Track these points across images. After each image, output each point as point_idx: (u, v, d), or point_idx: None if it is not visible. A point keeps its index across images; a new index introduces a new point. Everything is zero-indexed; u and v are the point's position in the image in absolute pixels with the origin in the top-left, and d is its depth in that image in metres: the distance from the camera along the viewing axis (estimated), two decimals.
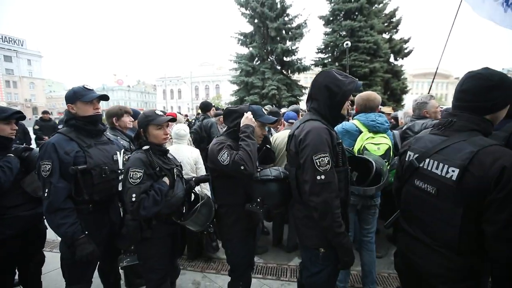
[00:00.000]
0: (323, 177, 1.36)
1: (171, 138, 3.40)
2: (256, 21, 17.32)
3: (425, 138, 1.36)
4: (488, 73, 1.17)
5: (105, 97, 1.98)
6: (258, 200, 1.64)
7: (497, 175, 1.00)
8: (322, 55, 17.30)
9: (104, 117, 2.65)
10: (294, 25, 17.48)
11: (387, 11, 17.93)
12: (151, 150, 1.78)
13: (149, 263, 1.85)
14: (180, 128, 3.22)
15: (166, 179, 1.78)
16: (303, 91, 17.91)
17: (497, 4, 4.36)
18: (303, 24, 17.25)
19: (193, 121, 5.96)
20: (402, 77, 18.04)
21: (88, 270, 1.89)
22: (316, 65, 17.50)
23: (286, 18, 17.29)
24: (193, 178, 2.16)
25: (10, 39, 48.86)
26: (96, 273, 2.06)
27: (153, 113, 1.84)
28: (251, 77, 17.18)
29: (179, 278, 2.44)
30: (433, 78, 4.48)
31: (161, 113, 1.86)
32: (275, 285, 2.71)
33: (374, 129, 2.29)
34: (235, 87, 19.05)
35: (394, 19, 17.85)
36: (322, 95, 1.52)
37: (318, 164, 1.37)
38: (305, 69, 17.69)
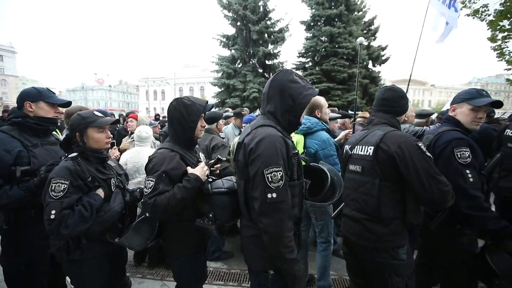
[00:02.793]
0: (274, 195, 1.17)
1: (133, 140, 3.27)
2: (238, 23, 17.35)
3: (356, 134, 1.77)
4: (397, 88, 1.66)
5: (68, 104, 2.00)
6: (210, 215, 1.50)
7: (394, 149, 1.39)
8: (303, 59, 17.56)
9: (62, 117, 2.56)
10: (276, 29, 17.65)
11: (366, 19, 18.58)
12: (86, 157, 1.58)
13: (81, 286, 1.62)
14: (142, 130, 3.09)
15: (100, 191, 1.57)
16: None
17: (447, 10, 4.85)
18: (285, 28, 17.47)
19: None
20: (380, 82, 18.63)
21: (36, 282, 1.73)
22: (297, 68, 17.75)
23: (268, 22, 17.43)
24: (138, 189, 1.90)
25: None
26: None
27: (92, 114, 1.63)
28: (233, 80, 17.12)
29: (137, 287, 2.30)
30: (408, 85, 4.75)
31: (101, 114, 1.67)
32: None
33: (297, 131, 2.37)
34: (219, 89, 18.93)
35: (372, 27, 18.47)
36: (281, 98, 1.31)
37: (270, 179, 1.17)
38: None
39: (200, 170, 1.56)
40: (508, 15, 9.51)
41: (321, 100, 2.48)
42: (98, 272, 1.61)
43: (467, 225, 1.59)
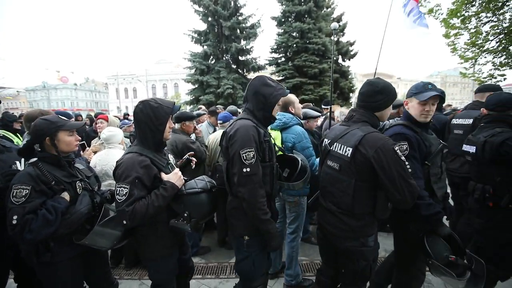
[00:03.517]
0: (248, 169, 1.50)
1: (103, 142, 3.21)
2: (209, 19, 17.09)
3: (336, 128, 1.78)
4: (377, 82, 1.61)
5: None
6: (185, 214, 1.57)
7: (371, 154, 1.43)
8: (275, 55, 17.79)
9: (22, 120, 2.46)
10: (248, 24, 17.66)
11: (334, 15, 19.18)
12: (50, 162, 1.58)
13: None
14: (111, 131, 3.04)
15: (65, 194, 1.57)
16: None
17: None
18: (256, 24, 17.54)
19: None
20: (350, 77, 19.44)
21: None
22: (270, 64, 17.96)
23: (240, 18, 17.37)
24: (109, 190, 1.92)
25: None
26: None
27: (59, 118, 1.64)
28: (206, 76, 16.93)
29: None
30: (374, 77, 4.89)
31: (65, 118, 1.69)
32: (214, 284, 2.76)
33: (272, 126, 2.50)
34: (193, 86, 18.61)
35: (340, 23, 19.11)
36: (255, 98, 1.66)
37: (245, 158, 1.50)
38: (260, 68, 18.08)
39: (175, 177, 1.59)
40: (458, 14, 10.38)
41: (292, 97, 2.62)
42: (71, 273, 1.63)
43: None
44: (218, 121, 3.63)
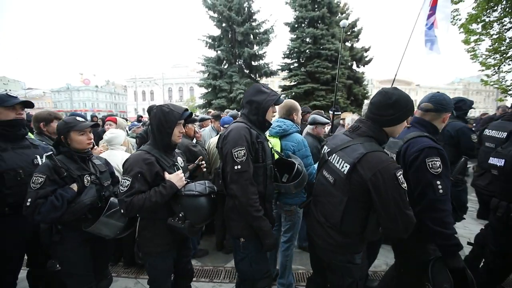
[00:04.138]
0: (239, 166, 1.57)
1: (106, 143, 3.33)
2: (223, 24, 17.39)
3: (339, 137, 1.65)
4: (391, 93, 1.42)
5: (29, 104, 2.04)
6: (180, 214, 1.65)
7: (369, 176, 1.31)
8: (288, 60, 17.74)
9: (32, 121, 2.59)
10: (261, 30, 17.81)
11: (349, 21, 18.96)
12: (69, 156, 1.82)
13: (64, 267, 1.85)
14: (113, 133, 3.17)
15: (74, 185, 1.77)
16: None
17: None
18: (269, 29, 17.64)
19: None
20: (364, 83, 19.08)
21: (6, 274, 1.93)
22: (282, 69, 17.95)
23: (253, 23, 17.57)
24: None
25: None
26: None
27: (74, 119, 1.87)
28: (219, 81, 17.16)
29: (112, 285, 2.39)
30: (392, 85, 4.67)
31: (83, 120, 1.90)
32: (207, 287, 2.77)
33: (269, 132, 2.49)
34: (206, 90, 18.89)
35: (355, 29, 18.87)
36: (249, 104, 1.78)
37: (236, 156, 1.57)
38: (272, 73, 18.09)
39: (176, 178, 1.69)
40: (478, 19, 9.97)
41: (297, 105, 2.63)
42: (79, 254, 1.85)
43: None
44: (224, 126, 3.65)
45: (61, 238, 1.78)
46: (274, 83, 30.53)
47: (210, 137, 4.10)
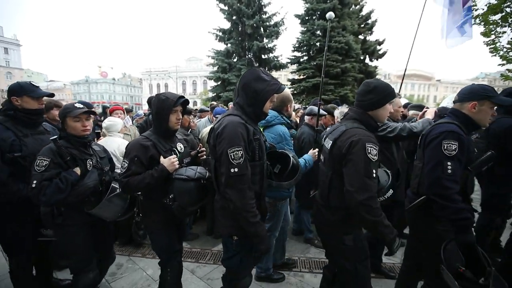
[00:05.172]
0: (236, 169, 1.40)
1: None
2: (234, 17, 17.37)
3: (334, 125, 1.83)
4: (370, 81, 1.64)
5: (51, 95, 2.24)
6: (171, 196, 1.74)
7: (346, 145, 1.46)
8: (298, 53, 17.53)
9: None
10: (271, 23, 17.63)
11: (363, 13, 18.39)
12: (68, 140, 1.87)
13: (66, 248, 1.93)
14: (111, 121, 3.35)
15: (77, 169, 1.83)
16: None
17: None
18: (280, 22, 17.42)
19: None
20: (377, 77, 18.56)
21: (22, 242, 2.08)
22: (292, 63, 17.75)
23: (263, 16, 17.42)
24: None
25: None
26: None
27: (72, 105, 1.92)
28: (228, 74, 17.25)
29: None
30: (402, 80, 4.45)
31: (81, 106, 1.91)
32: (191, 267, 2.91)
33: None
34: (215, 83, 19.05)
35: (369, 21, 18.29)
36: (246, 92, 1.54)
37: (232, 157, 1.40)
38: (282, 66, 17.93)
39: (168, 162, 1.77)
40: (498, 10, 9.38)
41: (291, 96, 2.54)
42: (81, 237, 1.91)
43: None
44: (216, 115, 3.75)
45: (63, 220, 1.85)
46: (285, 77, 30.17)
47: (204, 127, 4.23)
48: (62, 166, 1.78)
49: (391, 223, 1.50)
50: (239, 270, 1.73)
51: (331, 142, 1.58)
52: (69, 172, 1.79)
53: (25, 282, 2.18)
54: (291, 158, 1.83)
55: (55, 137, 1.81)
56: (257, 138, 1.54)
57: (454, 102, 1.82)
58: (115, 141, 3.20)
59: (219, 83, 18.25)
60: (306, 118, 3.40)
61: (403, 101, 3.92)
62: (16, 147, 1.92)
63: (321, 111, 3.26)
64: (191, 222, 3.70)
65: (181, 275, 2.10)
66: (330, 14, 3.49)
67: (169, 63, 71.93)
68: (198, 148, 2.15)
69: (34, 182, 1.66)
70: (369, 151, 1.40)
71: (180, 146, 1.99)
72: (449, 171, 1.52)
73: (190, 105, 3.35)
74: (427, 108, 3.00)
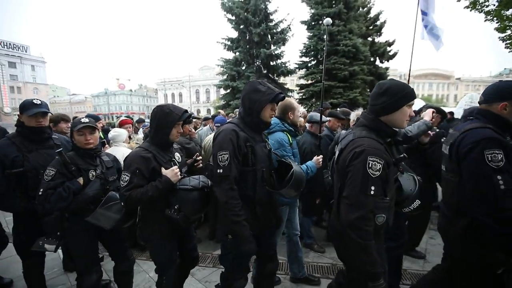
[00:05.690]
0: (221, 170, 1.58)
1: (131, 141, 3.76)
2: (241, 26, 17.69)
3: (345, 132, 1.75)
4: (383, 83, 1.45)
5: (44, 114, 2.13)
6: (176, 207, 1.73)
7: (349, 157, 1.35)
8: (305, 59, 17.57)
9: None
10: (278, 30, 17.84)
11: (371, 15, 18.22)
12: (77, 152, 2.01)
13: (73, 251, 2.08)
14: (116, 132, 3.61)
15: (80, 179, 1.95)
16: (290, 94, 18.27)
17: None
18: (286, 28, 17.60)
19: None
20: (388, 79, 18.19)
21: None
22: (300, 68, 17.80)
23: (270, 24, 17.67)
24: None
25: (15, 46, 50.14)
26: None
27: (78, 121, 2.03)
28: (236, 82, 17.54)
29: (108, 263, 2.68)
30: (408, 80, 4.39)
31: (86, 121, 2.01)
32: (191, 270, 3.04)
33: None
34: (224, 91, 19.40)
35: (377, 23, 18.08)
36: (244, 103, 1.73)
37: (220, 160, 1.59)
38: (290, 72, 18.02)
39: (171, 173, 1.77)
40: (510, 4, 9.03)
41: (293, 103, 2.52)
42: (86, 241, 2.04)
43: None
44: (215, 125, 3.93)
45: (69, 225, 1.99)
46: (294, 82, 30.16)
47: (206, 135, 4.42)
48: (67, 176, 1.91)
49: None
50: (232, 268, 1.82)
51: (337, 152, 1.51)
52: (72, 182, 1.91)
53: (38, 283, 2.35)
54: (293, 167, 1.83)
55: (60, 149, 1.94)
56: (250, 145, 1.66)
57: (479, 103, 1.59)
58: (120, 151, 3.35)
59: (228, 91, 18.57)
60: (307, 125, 3.36)
61: (419, 103, 3.67)
62: (18, 162, 2.03)
63: (323, 117, 3.16)
64: (195, 227, 3.84)
65: (178, 283, 2.18)
66: (327, 20, 3.65)
67: (182, 73, 73.90)
68: (195, 157, 2.18)
69: (41, 190, 1.82)
70: (370, 165, 1.25)
71: (177, 156, 2.03)
72: (502, 186, 1.27)
73: (201, 113, 3.32)
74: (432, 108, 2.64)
